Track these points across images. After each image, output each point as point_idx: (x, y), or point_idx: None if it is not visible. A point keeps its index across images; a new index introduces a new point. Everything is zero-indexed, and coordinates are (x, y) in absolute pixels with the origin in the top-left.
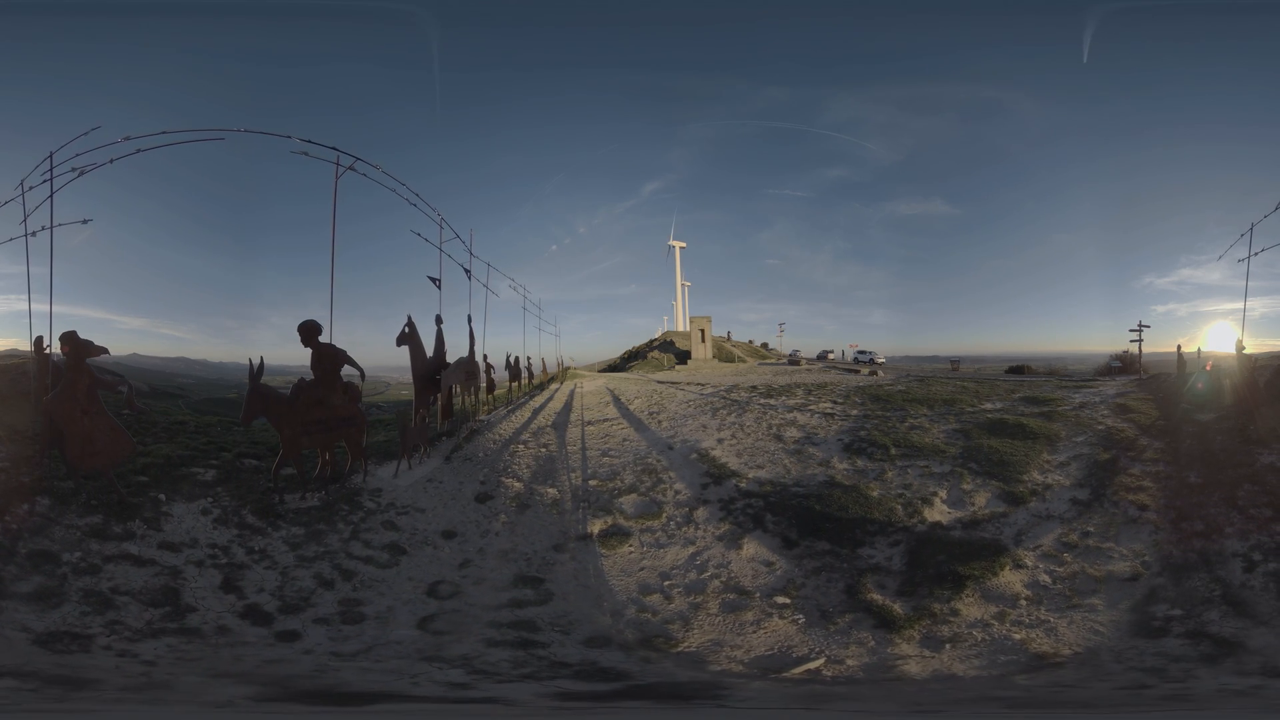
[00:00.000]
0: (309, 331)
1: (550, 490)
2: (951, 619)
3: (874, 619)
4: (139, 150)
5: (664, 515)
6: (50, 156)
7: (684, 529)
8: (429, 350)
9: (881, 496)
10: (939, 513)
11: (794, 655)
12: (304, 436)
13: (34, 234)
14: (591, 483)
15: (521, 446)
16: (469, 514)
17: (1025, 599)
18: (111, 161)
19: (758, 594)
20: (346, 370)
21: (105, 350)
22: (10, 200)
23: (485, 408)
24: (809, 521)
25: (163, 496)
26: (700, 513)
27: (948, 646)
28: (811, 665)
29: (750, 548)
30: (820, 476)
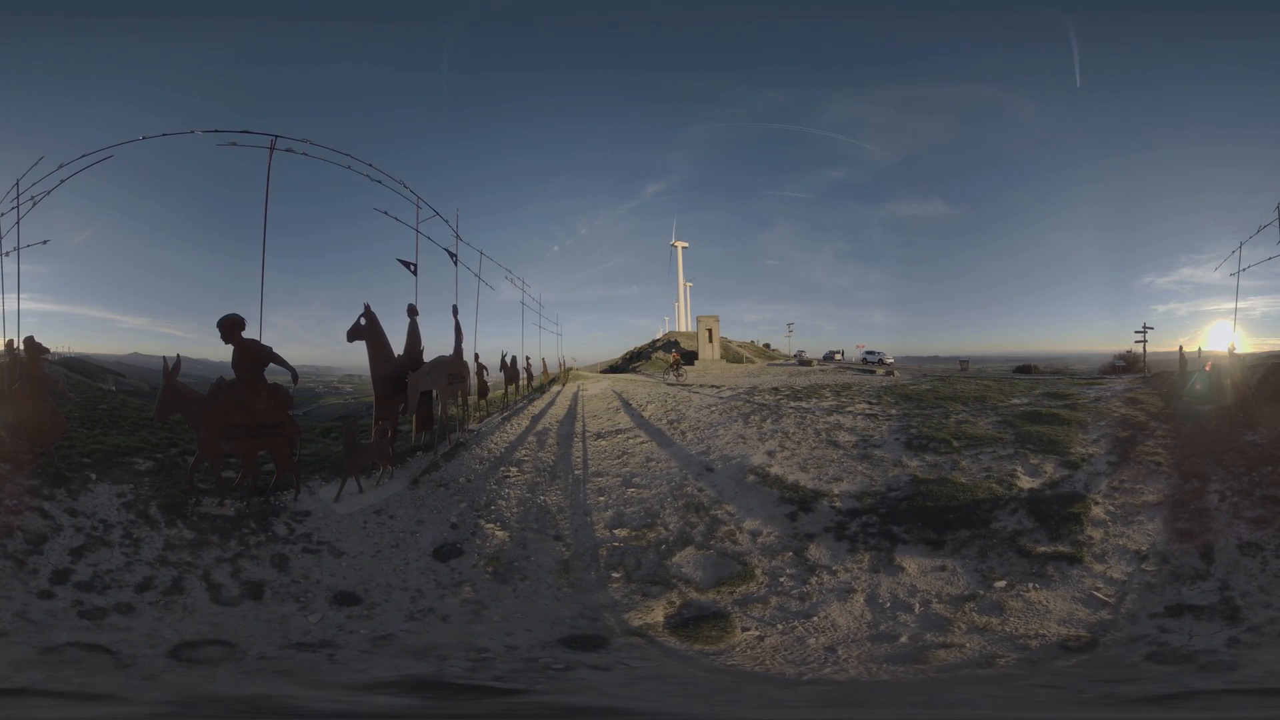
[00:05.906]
0: (229, 326)
1: (556, 545)
2: (1094, 541)
3: (1064, 560)
4: (62, 181)
5: (758, 572)
6: (16, 184)
7: (815, 578)
8: (398, 348)
9: (970, 482)
10: (1026, 482)
11: (1080, 607)
12: (223, 440)
13: (8, 254)
14: (618, 533)
15: (514, 469)
16: (409, 575)
17: (1109, 521)
18: (49, 193)
19: (981, 590)
20: (280, 373)
21: (49, 350)
22: None
23: (477, 415)
24: (934, 518)
25: (93, 476)
26: (816, 551)
27: (1108, 558)
28: (1099, 595)
29: (911, 563)
30: (904, 476)
